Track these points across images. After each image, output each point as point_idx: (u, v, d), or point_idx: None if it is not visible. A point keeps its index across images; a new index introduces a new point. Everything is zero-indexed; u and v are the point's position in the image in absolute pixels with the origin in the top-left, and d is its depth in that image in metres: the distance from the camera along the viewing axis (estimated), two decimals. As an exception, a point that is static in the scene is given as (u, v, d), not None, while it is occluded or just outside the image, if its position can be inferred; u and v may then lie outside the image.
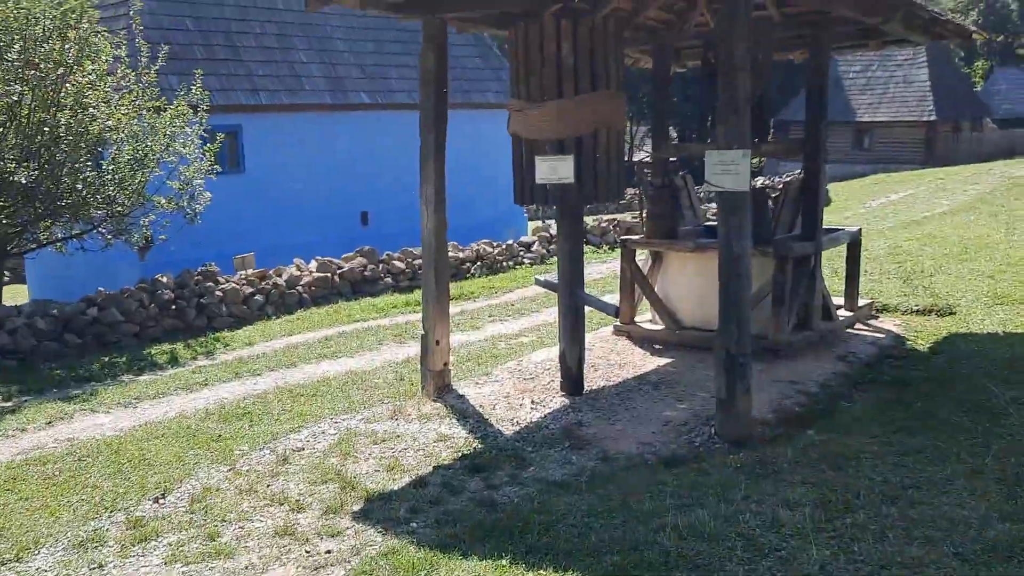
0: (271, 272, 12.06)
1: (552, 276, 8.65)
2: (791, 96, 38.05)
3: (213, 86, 14.02)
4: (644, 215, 8.23)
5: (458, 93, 19.09)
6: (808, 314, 7.88)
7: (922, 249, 12.92)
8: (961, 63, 53.17)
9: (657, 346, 8.20)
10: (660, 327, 8.39)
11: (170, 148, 11.18)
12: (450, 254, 13.73)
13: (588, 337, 7.48)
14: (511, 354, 8.49)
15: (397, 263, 13.25)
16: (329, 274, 12.47)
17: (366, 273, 12.91)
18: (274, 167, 16.16)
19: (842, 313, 8.55)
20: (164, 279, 11.06)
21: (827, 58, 7.68)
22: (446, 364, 7.20)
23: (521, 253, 14.95)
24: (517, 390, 7.08)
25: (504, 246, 14.77)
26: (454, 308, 11.66)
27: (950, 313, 9.04)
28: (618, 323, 8.59)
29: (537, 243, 15.27)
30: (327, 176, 16.95)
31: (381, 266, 13.16)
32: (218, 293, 11.20)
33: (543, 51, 6.14)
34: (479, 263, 14.15)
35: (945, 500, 4.32)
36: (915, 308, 9.32)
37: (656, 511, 4.36)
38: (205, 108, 11.71)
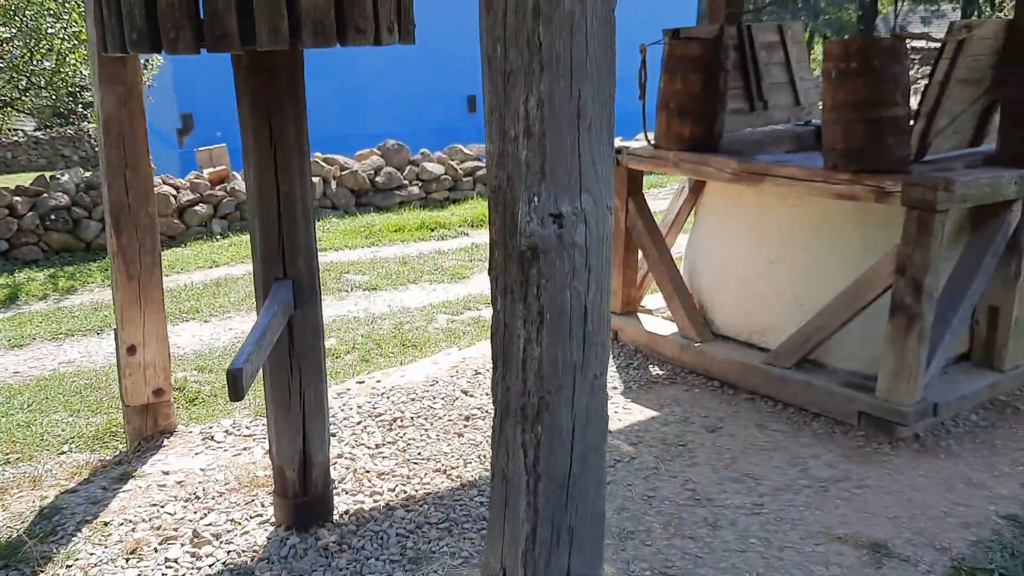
0: (238, 175, 8.19)
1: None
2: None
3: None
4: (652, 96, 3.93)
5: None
6: None
7: None
8: None
9: (656, 370, 4.15)
10: (668, 331, 4.26)
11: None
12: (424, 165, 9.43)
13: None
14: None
15: (432, 166, 9.28)
16: (319, 178, 8.53)
17: (378, 179, 8.92)
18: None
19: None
20: (64, 177, 7.65)
21: None
22: (161, 392, 3.33)
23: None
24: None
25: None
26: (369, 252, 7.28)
27: None
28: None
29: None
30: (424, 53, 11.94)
31: (410, 169, 9.17)
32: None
33: None
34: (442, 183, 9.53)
35: None
36: None
37: None
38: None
